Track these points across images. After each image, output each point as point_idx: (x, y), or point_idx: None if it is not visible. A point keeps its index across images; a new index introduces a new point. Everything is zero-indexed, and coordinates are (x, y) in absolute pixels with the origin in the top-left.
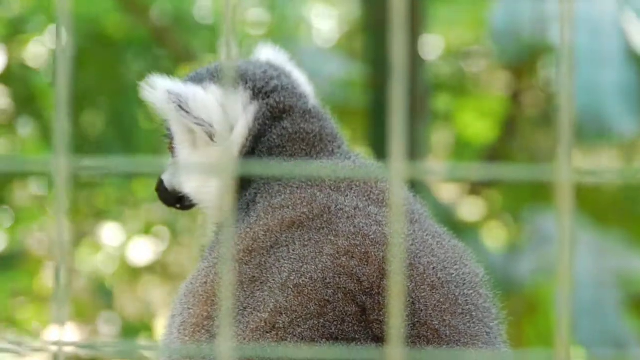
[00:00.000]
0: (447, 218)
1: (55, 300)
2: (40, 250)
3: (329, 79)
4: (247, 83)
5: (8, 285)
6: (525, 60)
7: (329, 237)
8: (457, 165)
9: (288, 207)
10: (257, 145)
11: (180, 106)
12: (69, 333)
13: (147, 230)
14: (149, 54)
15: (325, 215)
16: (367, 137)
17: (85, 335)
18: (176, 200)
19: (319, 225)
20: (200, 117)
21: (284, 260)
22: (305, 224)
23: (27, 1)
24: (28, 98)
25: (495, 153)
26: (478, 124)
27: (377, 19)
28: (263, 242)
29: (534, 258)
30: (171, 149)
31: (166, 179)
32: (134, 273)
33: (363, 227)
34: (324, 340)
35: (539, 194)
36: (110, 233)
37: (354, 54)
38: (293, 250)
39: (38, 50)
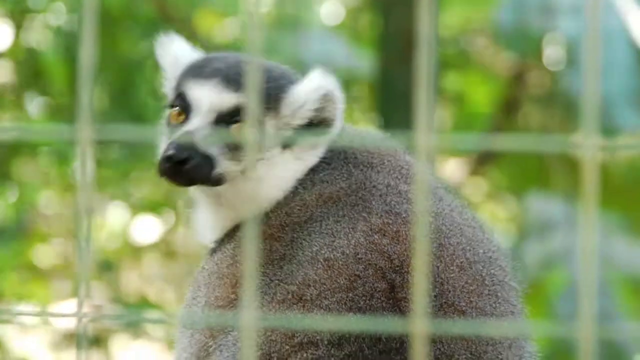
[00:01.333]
0: None
1: (78, 272)
2: (44, 225)
3: (337, 55)
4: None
5: (13, 261)
6: (531, 48)
7: (362, 214)
8: (480, 136)
9: (327, 182)
10: None
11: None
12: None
13: (152, 209)
14: (154, 30)
15: (360, 192)
16: (375, 113)
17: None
18: (210, 171)
19: (354, 202)
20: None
21: (315, 234)
22: (343, 199)
23: None
24: (34, 75)
25: (499, 132)
26: (482, 102)
27: None
28: (297, 216)
29: (536, 241)
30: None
31: (204, 144)
32: (137, 251)
33: (395, 205)
34: (351, 314)
35: (541, 177)
36: (114, 210)
37: (358, 33)
38: (326, 226)
39: (44, 27)
